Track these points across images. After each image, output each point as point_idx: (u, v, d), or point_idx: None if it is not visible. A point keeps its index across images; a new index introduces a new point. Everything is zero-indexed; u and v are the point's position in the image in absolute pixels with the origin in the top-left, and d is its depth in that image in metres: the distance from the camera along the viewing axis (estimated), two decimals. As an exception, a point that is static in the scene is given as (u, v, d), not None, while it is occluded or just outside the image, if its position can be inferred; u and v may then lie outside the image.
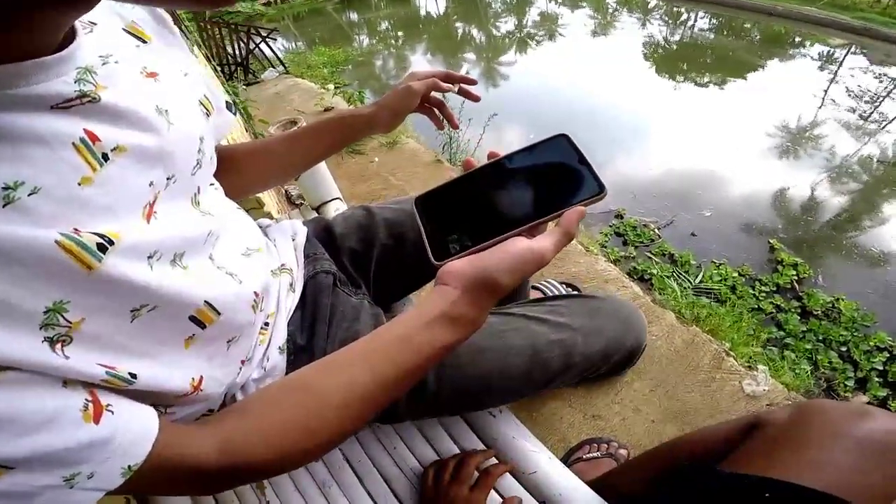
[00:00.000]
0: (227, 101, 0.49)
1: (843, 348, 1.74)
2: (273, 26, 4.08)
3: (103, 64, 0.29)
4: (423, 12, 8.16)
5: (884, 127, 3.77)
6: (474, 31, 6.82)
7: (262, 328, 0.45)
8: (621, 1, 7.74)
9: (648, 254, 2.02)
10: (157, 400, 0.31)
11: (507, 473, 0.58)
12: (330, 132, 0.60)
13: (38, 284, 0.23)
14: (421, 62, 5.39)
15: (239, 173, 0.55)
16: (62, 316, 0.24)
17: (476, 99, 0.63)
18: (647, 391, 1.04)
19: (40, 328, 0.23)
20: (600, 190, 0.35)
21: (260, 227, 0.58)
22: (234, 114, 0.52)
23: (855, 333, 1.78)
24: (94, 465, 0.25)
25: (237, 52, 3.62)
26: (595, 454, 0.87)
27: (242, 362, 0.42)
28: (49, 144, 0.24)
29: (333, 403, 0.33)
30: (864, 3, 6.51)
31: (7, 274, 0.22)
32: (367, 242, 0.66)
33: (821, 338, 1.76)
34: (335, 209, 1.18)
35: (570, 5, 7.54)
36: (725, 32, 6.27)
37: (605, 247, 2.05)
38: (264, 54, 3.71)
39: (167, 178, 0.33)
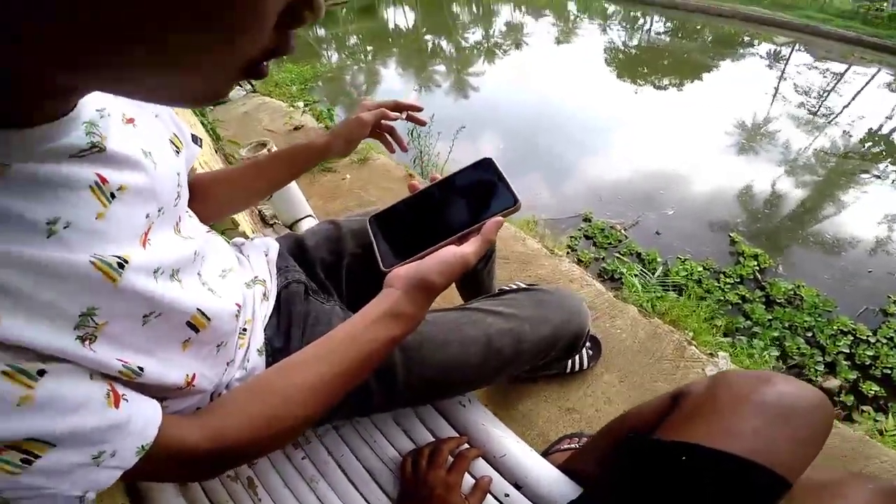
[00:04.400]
0: (192, 134, 0.54)
1: (809, 333, 1.82)
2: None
3: (101, 117, 0.34)
4: (391, 26, 8.24)
5: (832, 120, 4.00)
6: (444, 43, 6.93)
7: (240, 333, 0.50)
8: (581, 8, 8.00)
9: (617, 254, 2.09)
10: (157, 393, 0.36)
11: (480, 458, 0.62)
12: (289, 160, 0.66)
13: (76, 294, 0.29)
14: (391, 76, 5.44)
15: (205, 201, 0.59)
16: (92, 319, 0.30)
17: (422, 123, 0.71)
18: (617, 382, 1.10)
19: (74, 328, 0.29)
20: (514, 202, 0.44)
21: (235, 245, 0.63)
22: (199, 146, 0.56)
23: (818, 319, 1.87)
24: (116, 443, 0.30)
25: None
26: (574, 445, 0.91)
27: (228, 363, 0.48)
28: (72, 188, 0.30)
29: (292, 397, 0.39)
30: (803, 2, 6.90)
31: (55, 286, 0.27)
32: (337, 253, 0.72)
33: (787, 325, 1.84)
34: (307, 226, 1.20)
35: (534, 14, 7.75)
36: (680, 35, 6.55)
37: (575, 249, 2.11)
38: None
39: (157, 211, 0.38)
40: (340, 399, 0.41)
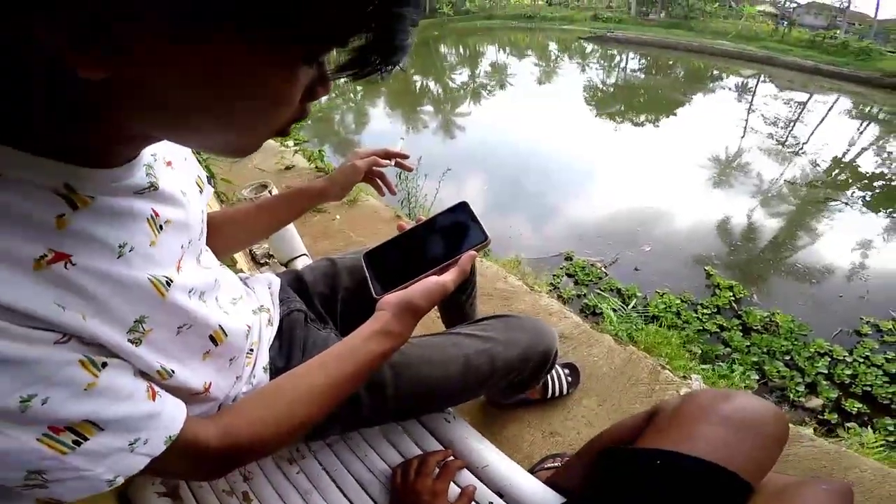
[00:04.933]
0: (207, 176, 0.62)
1: (787, 357, 1.88)
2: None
3: (154, 161, 0.41)
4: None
5: (799, 150, 4.18)
6: (431, 84, 7.20)
7: (248, 353, 0.57)
8: (562, 48, 8.42)
9: (598, 290, 2.17)
10: (179, 395, 0.42)
11: (464, 469, 0.68)
12: (288, 204, 0.74)
13: (135, 304, 0.35)
14: (380, 116, 5.64)
15: (216, 238, 0.66)
16: (141, 325, 0.36)
17: (409, 170, 0.80)
18: (596, 406, 1.16)
19: (127, 332, 0.35)
20: (485, 238, 0.53)
21: (240, 279, 0.69)
22: (213, 186, 0.63)
23: (795, 342, 1.93)
24: (150, 432, 0.35)
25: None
26: (557, 464, 0.96)
27: (237, 378, 0.54)
28: (135, 218, 0.37)
29: (297, 400, 0.46)
30: (764, 34, 7.31)
31: (121, 295, 0.34)
32: (333, 287, 0.80)
33: (765, 350, 1.90)
34: (302, 264, 1.27)
35: (517, 55, 8.15)
36: (654, 71, 6.87)
37: (557, 287, 2.18)
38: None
39: (188, 242, 0.45)
40: (338, 404, 0.48)
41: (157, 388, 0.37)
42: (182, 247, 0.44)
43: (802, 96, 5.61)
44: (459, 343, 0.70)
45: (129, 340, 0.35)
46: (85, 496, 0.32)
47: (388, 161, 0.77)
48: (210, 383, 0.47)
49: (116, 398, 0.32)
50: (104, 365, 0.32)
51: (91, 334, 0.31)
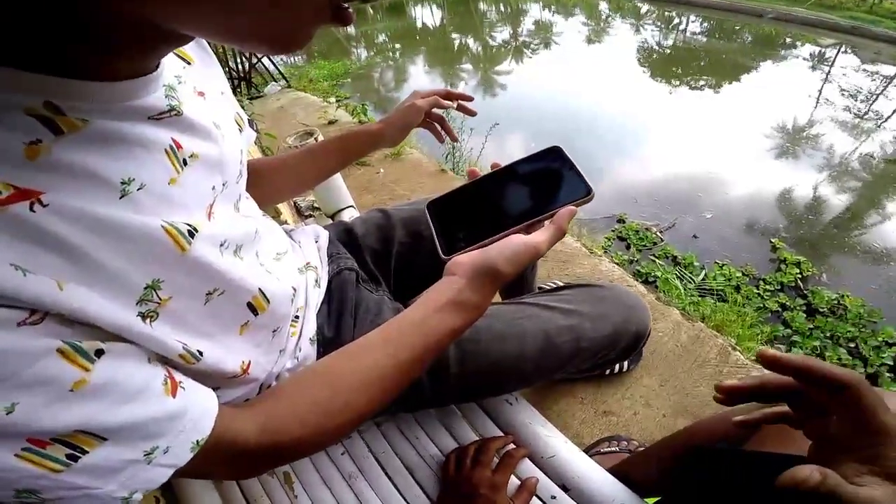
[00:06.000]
0: (249, 119, 0.54)
1: (852, 344, 1.74)
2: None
3: (179, 83, 0.33)
4: (419, 24, 8.28)
5: (881, 124, 3.81)
6: (471, 42, 6.91)
7: (292, 321, 0.49)
8: (614, 7, 7.84)
9: (652, 256, 2.04)
10: (210, 382, 0.34)
11: (526, 458, 0.60)
12: (341, 148, 0.65)
13: (144, 262, 0.27)
14: (419, 74, 5.46)
15: (261, 186, 0.59)
16: (156, 293, 0.27)
17: (473, 114, 0.70)
18: (657, 386, 1.06)
19: (136, 303, 0.26)
20: (588, 192, 0.41)
21: (285, 231, 0.62)
22: (255, 130, 0.55)
23: (862, 329, 1.78)
24: (170, 438, 0.27)
25: (239, 67, 3.69)
26: (614, 448, 0.88)
27: (280, 351, 0.46)
28: (148, 149, 0.28)
29: (355, 385, 0.36)
30: (850, 3, 6.58)
31: (123, 250, 0.25)
32: (386, 241, 0.71)
33: (828, 334, 1.76)
34: (349, 216, 1.22)
35: (563, 13, 7.65)
36: (717, 35, 6.35)
37: (608, 251, 2.07)
38: (266, 68, 3.78)
39: (222, 184, 0.37)
40: (401, 390, 0.39)
41: (178, 377, 0.28)
42: (213, 188, 0.34)
43: (890, 70, 5.05)
44: (536, 316, 0.59)
45: (141, 315, 0.26)
46: None
47: (450, 102, 0.67)
48: (249, 362, 0.38)
49: (120, 398, 0.24)
50: (99, 353, 0.23)
51: (76, 310, 0.22)
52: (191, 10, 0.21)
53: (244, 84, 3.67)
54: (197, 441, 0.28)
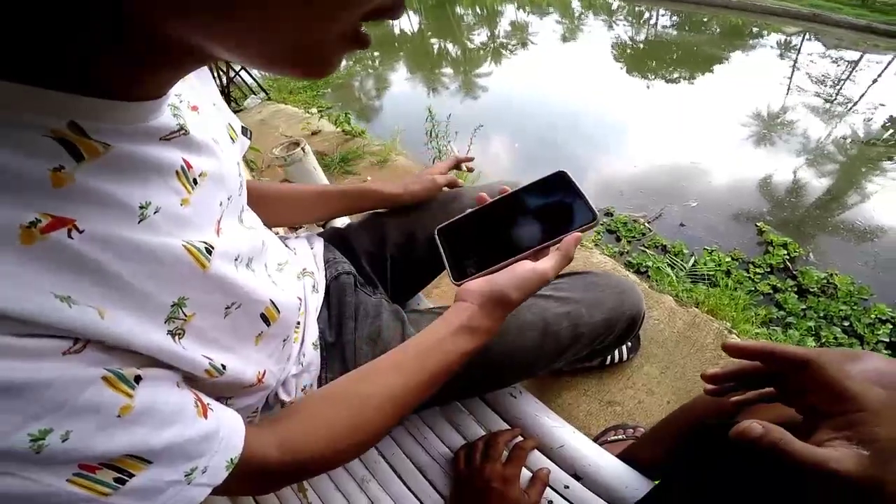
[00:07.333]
0: (242, 126, 0.53)
1: (846, 323, 1.77)
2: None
3: (180, 101, 0.33)
4: (396, 31, 8.30)
5: (850, 108, 3.92)
6: (450, 46, 6.95)
7: (295, 327, 0.49)
8: (585, 4, 7.98)
9: (642, 247, 2.06)
10: (224, 392, 0.35)
11: (535, 450, 0.61)
12: (358, 199, 0.69)
13: (170, 281, 0.27)
14: (400, 81, 5.46)
15: (266, 211, 0.59)
16: (181, 310, 0.28)
17: (470, 170, 0.78)
18: (658, 374, 1.07)
19: (165, 322, 0.27)
20: (593, 218, 0.43)
21: (280, 239, 0.62)
22: (249, 138, 0.55)
23: (854, 307, 1.81)
24: (208, 458, 0.28)
25: (217, 81, 3.65)
26: (620, 437, 0.89)
27: (287, 358, 0.47)
28: (161, 172, 0.28)
29: (372, 405, 0.37)
30: None
31: (151, 272, 0.26)
32: (380, 243, 0.72)
33: (822, 314, 1.79)
34: (341, 223, 1.21)
35: (538, 13, 7.75)
36: (687, 28, 6.48)
37: (599, 244, 2.09)
38: (244, 82, 3.74)
39: (228, 199, 0.37)
40: (413, 409, 0.40)
41: (206, 400, 0.29)
42: (221, 204, 0.35)
43: (853, 55, 5.22)
44: (533, 305, 0.60)
45: (169, 333, 0.27)
46: None
47: (462, 181, 0.74)
48: (264, 372, 0.39)
49: (161, 421, 0.25)
50: (138, 379, 0.24)
51: (117, 336, 0.22)
52: (228, 30, 0.21)
53: (224, 98, 3.62)
54: (231, 459, 0.29)
